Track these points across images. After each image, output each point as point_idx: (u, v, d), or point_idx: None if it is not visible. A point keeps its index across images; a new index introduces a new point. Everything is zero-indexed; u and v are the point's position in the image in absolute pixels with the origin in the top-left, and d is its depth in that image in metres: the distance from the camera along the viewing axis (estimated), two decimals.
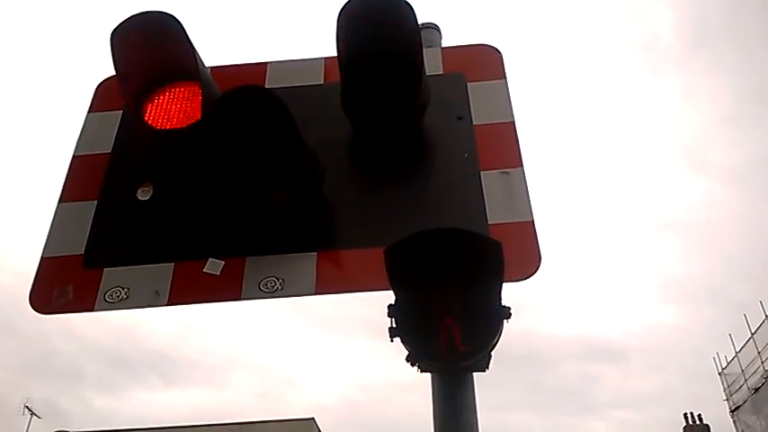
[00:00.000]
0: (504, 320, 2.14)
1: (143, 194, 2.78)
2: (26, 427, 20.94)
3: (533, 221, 2.54)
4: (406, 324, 2.14)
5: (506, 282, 2.16)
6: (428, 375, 2.30)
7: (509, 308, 2.14)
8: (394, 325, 2.14)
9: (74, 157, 2.99)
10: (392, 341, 2.12)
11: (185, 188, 2.79)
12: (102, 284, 2.53)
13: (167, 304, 2.49)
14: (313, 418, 19.54)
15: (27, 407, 21.15)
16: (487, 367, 2.25)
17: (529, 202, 2.60)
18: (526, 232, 2.52)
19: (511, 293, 2.20)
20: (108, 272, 2.57)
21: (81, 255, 2.64)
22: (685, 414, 26.98)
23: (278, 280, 2.47)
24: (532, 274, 2.41)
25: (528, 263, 2.43)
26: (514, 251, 2.34)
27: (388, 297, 2.19)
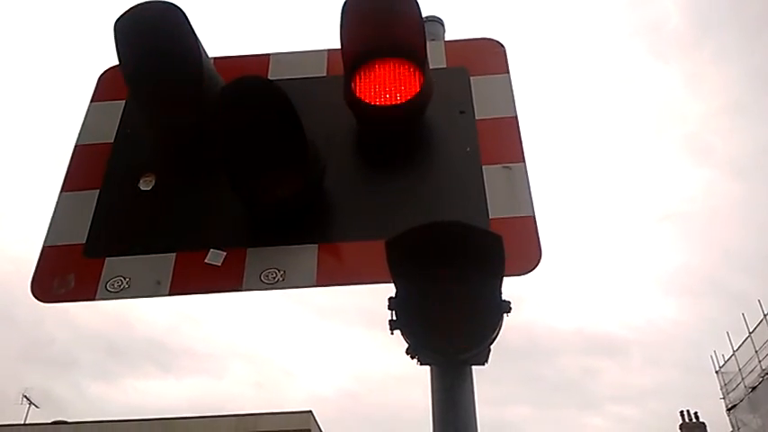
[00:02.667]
0: (505, 315, 2.15)
1: (145, 184, 2.78)
2: (24, 417, 20.96)
3: (534, 216, 2.55)
4: (407, 317, 2.14)
5: (507, 276, 2.16)
6: (427, 368, 2.30)
7: (509, 302, 2.14)
8: (394, 318, 2.14)
9: (76, 146, 2.99)
10: (392, 334, 2.13)
11: (187, 179, 2.80)
12: (103, 274, 2.54)
13: (168, 294, 2.49)
14: (311, 411, 19.56)
15: (26, 396, 21.15)
16: (487, 361, 2.26)
17: (530, 197, 2.60)
18: (527, 227, 2.52)
19: (511, 286, 2.21)
20: (109, 261, 2.57)
21: (83, 244, 2.64)
22: (681, 412, 27.09)
23: (279, 271, 2.48)
24: (533, 269, 2.42)
25: (528, 258, 2.44)
26: (515, 246, 2.34)
27: (389, 288, 2.20)
